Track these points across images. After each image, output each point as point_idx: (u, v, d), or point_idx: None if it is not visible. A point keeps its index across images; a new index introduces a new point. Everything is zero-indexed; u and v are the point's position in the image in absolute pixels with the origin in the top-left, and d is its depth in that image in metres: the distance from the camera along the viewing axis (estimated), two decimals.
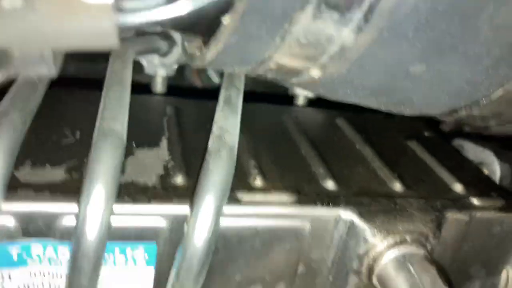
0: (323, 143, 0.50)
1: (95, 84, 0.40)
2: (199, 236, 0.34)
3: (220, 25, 0.28)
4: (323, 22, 0.29)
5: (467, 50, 0.33)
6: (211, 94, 0.53)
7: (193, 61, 0.33)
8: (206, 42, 0.31)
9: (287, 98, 0.61)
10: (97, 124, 0.34)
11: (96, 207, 0.31)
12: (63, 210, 0.34)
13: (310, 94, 0.60)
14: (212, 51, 0.29)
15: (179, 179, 0.39)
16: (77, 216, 0.32)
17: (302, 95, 0.60)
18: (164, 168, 0.41)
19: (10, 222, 0.33)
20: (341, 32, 0.30)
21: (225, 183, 0.35)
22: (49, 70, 0.25)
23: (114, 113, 0.34)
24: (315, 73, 0.32)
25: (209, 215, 0.34)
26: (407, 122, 0.60)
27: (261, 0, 0.27)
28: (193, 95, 0.55)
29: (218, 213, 0.34)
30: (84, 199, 0.31)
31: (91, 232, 0.32)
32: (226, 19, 0.27)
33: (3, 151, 0.30)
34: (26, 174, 0.35)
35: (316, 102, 0.60)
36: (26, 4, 0.21)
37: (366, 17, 0.29)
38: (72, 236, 0.33)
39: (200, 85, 0.68)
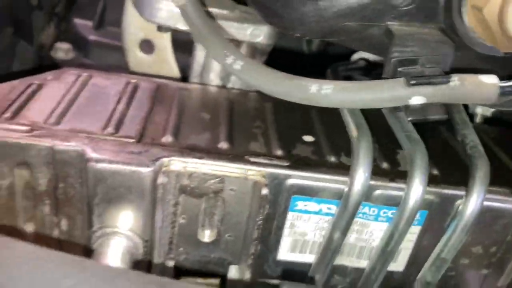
0: None
1: None
2: (470, 214, 0.55)
3: None
4: None
5: None
6: None
7: None
8: None
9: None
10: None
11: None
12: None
13: (488, 113, 0.79)
14: None
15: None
16: (406, 190, 0.54)
17: (479, 113, 0.80)
18: None
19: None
20: None
21: (486, 177, 0.56)
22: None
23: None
24: None
25: (479, 199, 0.55)
26: None
27: None
28: None
29: (484, 197, 0.55)
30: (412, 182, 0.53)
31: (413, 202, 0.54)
32: None
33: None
34: None
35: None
36: (461, 83, 0.43)
37: None
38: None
39: None
